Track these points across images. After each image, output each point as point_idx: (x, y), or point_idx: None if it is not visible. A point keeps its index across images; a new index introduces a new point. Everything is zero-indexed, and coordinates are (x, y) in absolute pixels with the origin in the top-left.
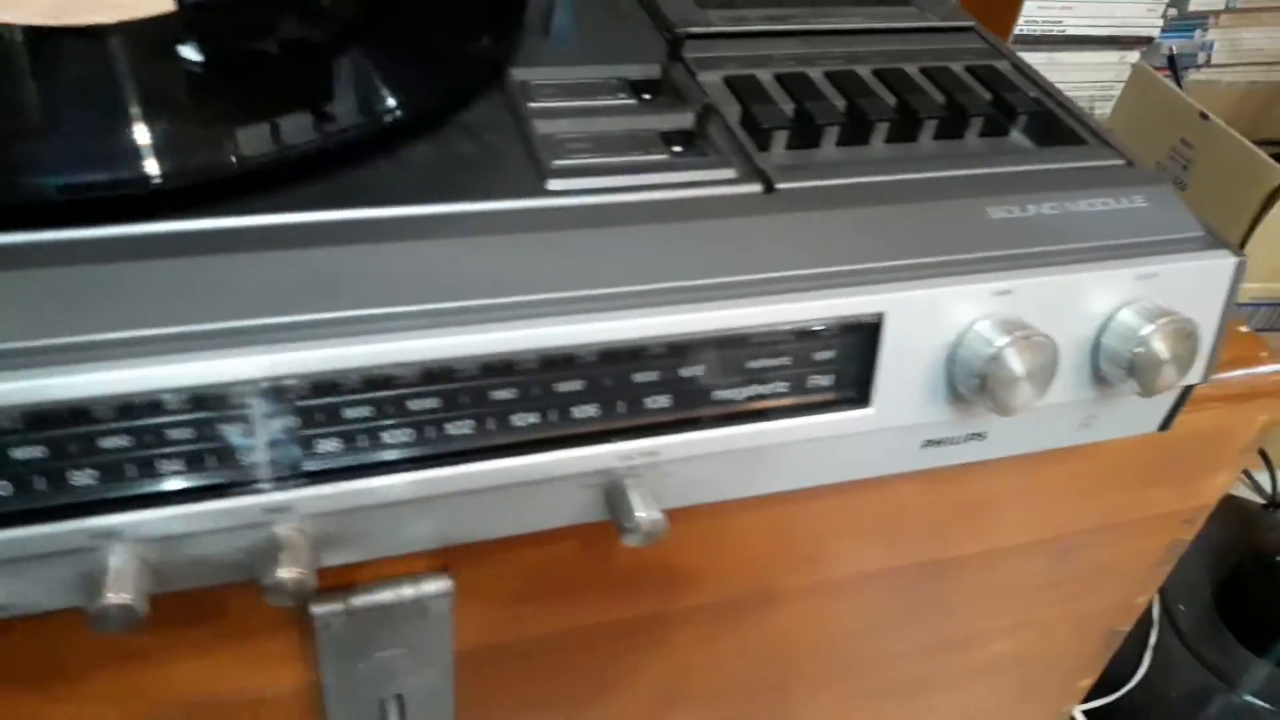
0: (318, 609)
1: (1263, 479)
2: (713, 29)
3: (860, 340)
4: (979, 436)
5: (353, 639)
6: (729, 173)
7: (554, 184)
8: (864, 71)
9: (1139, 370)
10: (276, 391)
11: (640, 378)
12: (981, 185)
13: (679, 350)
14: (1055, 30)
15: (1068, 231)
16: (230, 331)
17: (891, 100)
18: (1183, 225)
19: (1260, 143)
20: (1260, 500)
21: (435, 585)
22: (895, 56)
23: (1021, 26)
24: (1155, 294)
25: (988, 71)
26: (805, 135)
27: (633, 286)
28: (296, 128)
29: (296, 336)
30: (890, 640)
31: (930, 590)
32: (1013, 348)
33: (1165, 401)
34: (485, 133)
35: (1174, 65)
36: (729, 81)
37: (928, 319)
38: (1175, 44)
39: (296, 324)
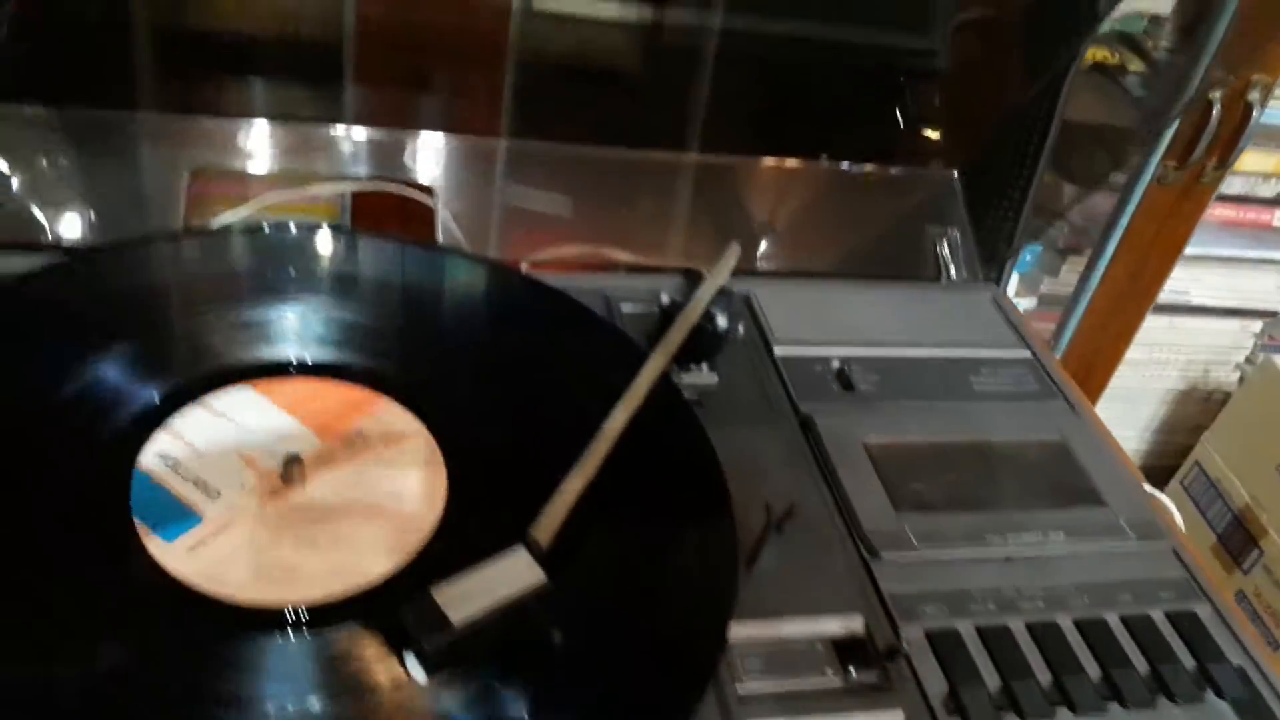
0: None
1: None
2: (910, 552)
3: None
4: None
5: None
6: None
7: None
8: (1065, 623)
9: None
10: None
11: None
12: None
13: None
14: (1181, 299)
15: None
16: None
17: (1096, 671)
18: None
19: None
20: None
21: None
22: (1097, 596)
23: None
24: None
25: (1189, 624)
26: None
27: None
28: None
29: None
30: None
31: None
32: None
33: None
34: None
35: None
36: (931, 639)
37: None
38: None
39: None
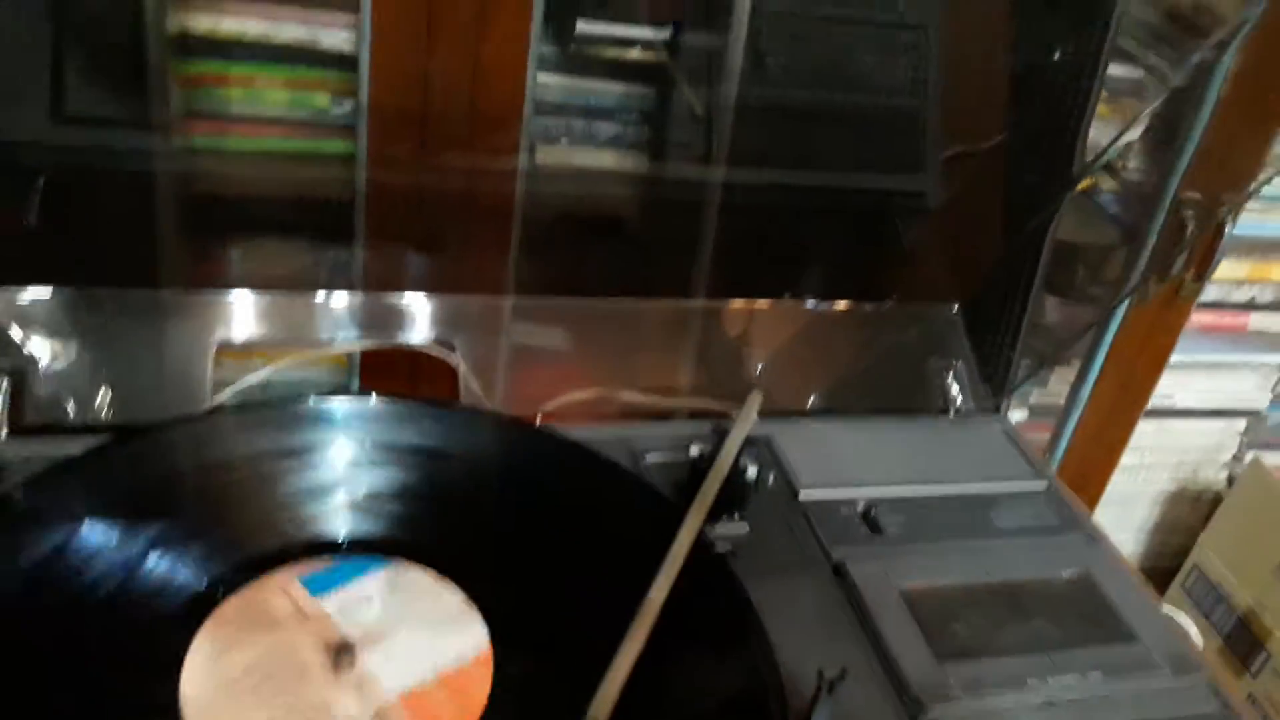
0: None
1: None
2: (955, 704)
3: None
4: None
5: None
6: None
7: None
8: None
9: None
10: None
11: None
12: None
13: None
14: (1167, 403)
15: None
16: None
17: None
18: None
19: None
20: None
21: None
22: None
23: None
24: None
25: None
26: None
27: None
28: None
29: None
30: None
31: None
32: None
33: None
34: None
35: None
36: None
37: None
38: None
39: None
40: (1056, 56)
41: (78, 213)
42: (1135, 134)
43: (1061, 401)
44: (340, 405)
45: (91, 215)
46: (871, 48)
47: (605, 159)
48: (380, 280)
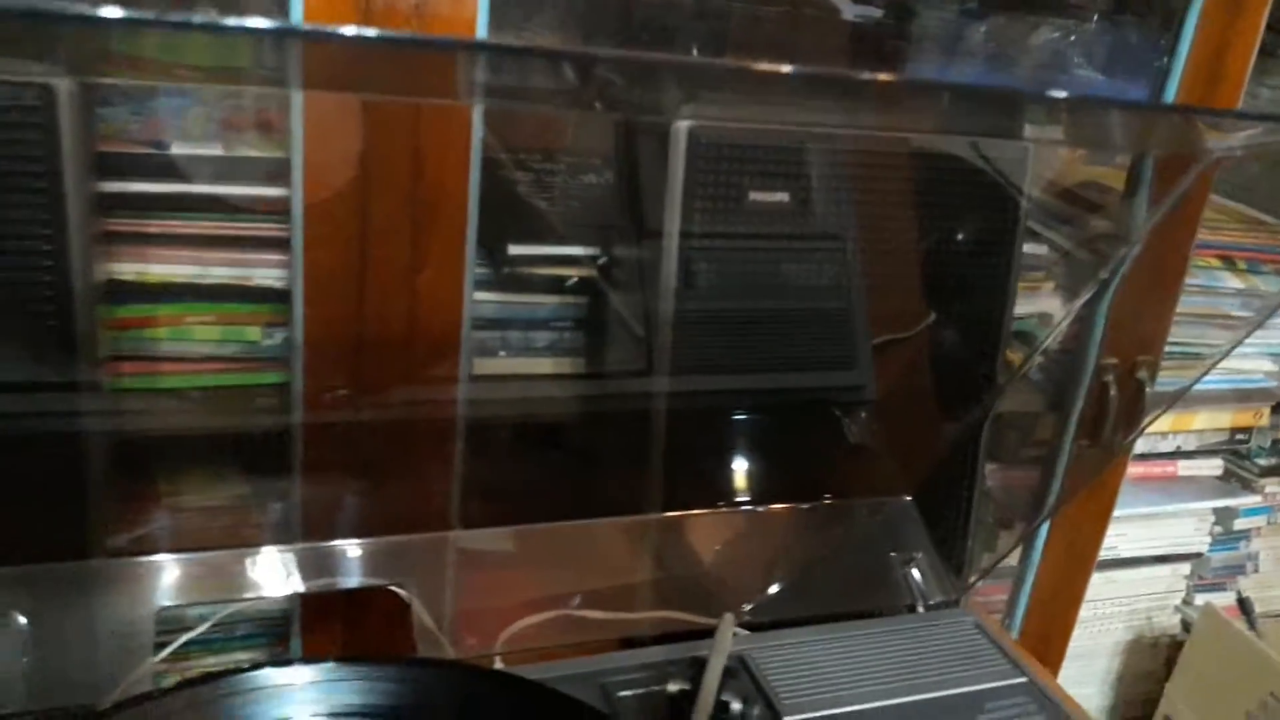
0: None
1: None
2: None
3: None
4: None
5: None
6: None
7: None
8: None
9: None
10: None
11: None
12: None
13: None
14: (1113, 554)
15: None
16: None
17: None
18: None
19: None
20: None
21: None
22: None
23: None
24: None
25: None
26: None
27: None
28: None
29: None
30: None
31: None
32: None
33: None
34: None
35: (1246, 609)
36: None
37: None
38: (1220, 556)
39: None
40: (970, 240)
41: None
42: (1063, 318)
43: (1014, 563)
44: (299, 675)
45: (18, 483)
46: (793, 258)
47: (543, 366)
48: (320, 517)
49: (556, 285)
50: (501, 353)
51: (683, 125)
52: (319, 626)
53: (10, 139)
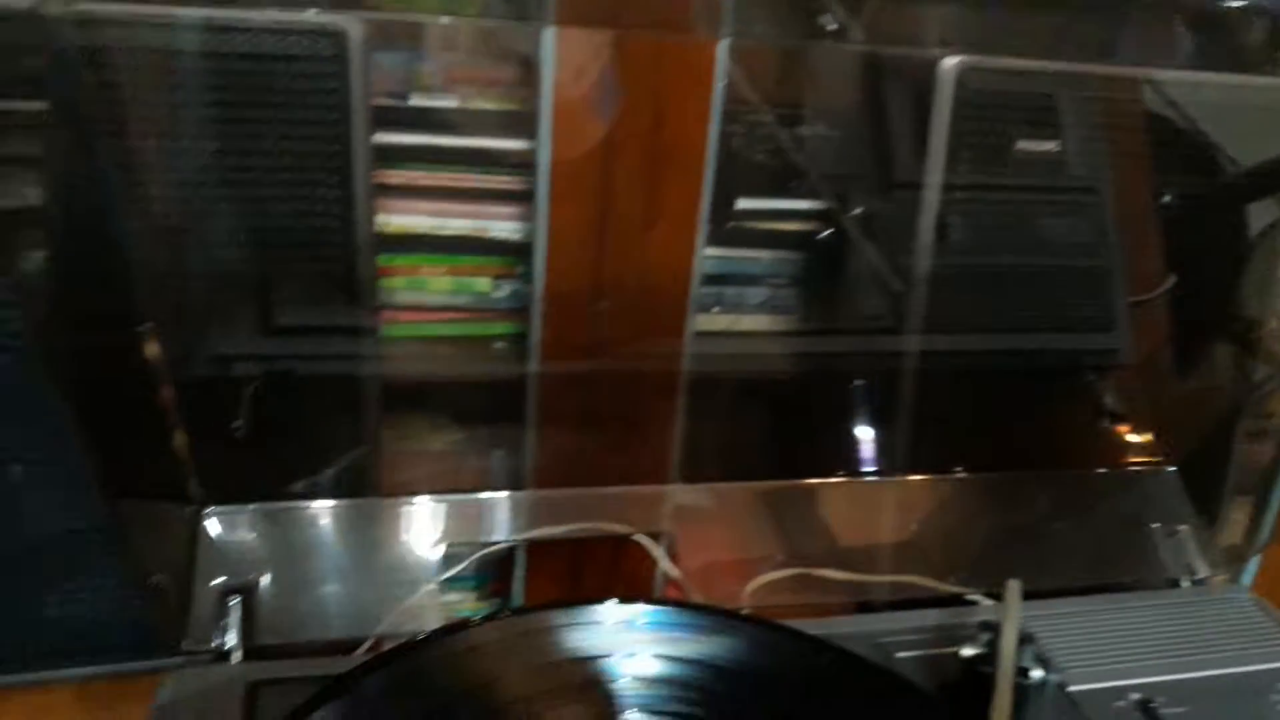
0: None
1: None
2: None
3: None
4: None
5: None
6: None
7: None
8: None
9: None
10: None
11: None
12: None
13: None
14: None
15: None
16: None
17: None
18: None
19: None
20: None
21: None
22: None
23: None
24: None
25: None
26: None
27: None
28: None
29: None
30: None
31: None
32: None
33: None
34: None
35: None
36: None
37: None
38: None
39: None
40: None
41: (285, 422)
42: None
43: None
44: (629, 613)
45: (298, 423)
46: (1047, 211)
47: (760, 323)
48: (550, 465)
49: (782, 240)
50: (715, 309)
51: (950, 65)
52: (542, 572)
53: (306, 89)
